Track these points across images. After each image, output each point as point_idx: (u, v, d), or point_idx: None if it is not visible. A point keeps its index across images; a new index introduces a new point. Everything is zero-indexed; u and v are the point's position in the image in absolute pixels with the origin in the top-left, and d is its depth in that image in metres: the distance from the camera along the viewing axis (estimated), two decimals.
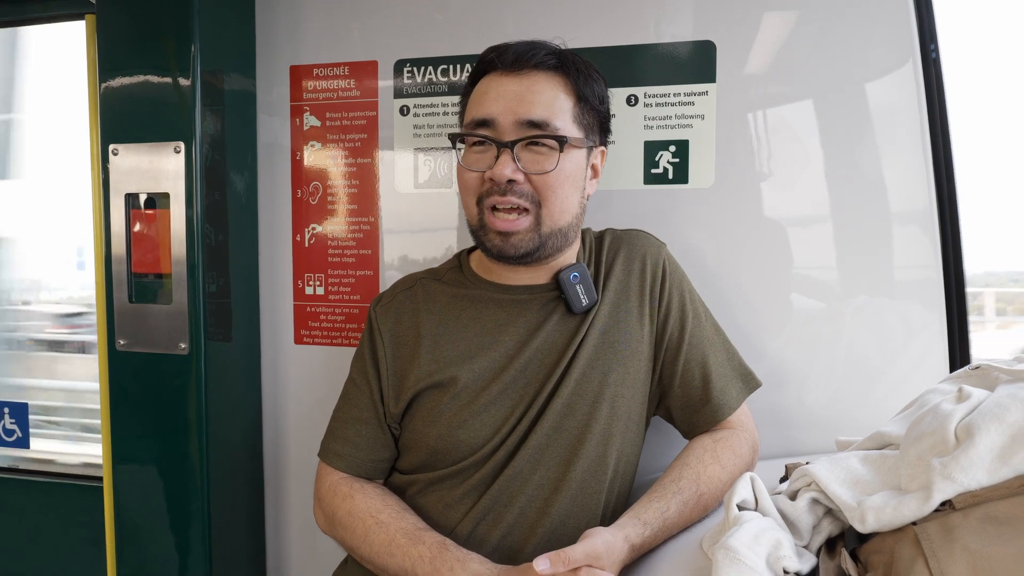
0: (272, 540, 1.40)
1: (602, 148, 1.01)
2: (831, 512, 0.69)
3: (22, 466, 1.67)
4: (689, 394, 0.99)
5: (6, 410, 1.63)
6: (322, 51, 1.32)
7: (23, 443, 1.65)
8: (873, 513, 0.59)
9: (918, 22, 1.11)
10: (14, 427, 1.63)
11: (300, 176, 1.34)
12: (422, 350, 0.99)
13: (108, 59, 1.22)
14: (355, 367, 1.07)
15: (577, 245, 1.03)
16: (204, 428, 1.22)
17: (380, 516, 0.93)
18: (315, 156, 1.33)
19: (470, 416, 0.95)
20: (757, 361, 1.08)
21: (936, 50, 1.13)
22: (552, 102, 0.92)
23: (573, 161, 0.94)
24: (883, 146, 1.12)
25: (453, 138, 0.98)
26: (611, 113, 1.03)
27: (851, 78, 1.12)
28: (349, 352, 1.16)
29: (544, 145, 0.92)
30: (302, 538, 1.39)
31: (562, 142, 0.91)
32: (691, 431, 1.01)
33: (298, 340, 1.36)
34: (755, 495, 0.72)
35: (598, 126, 0.99)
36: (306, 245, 1.34)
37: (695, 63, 1.17)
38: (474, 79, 0.98)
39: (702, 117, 1.17)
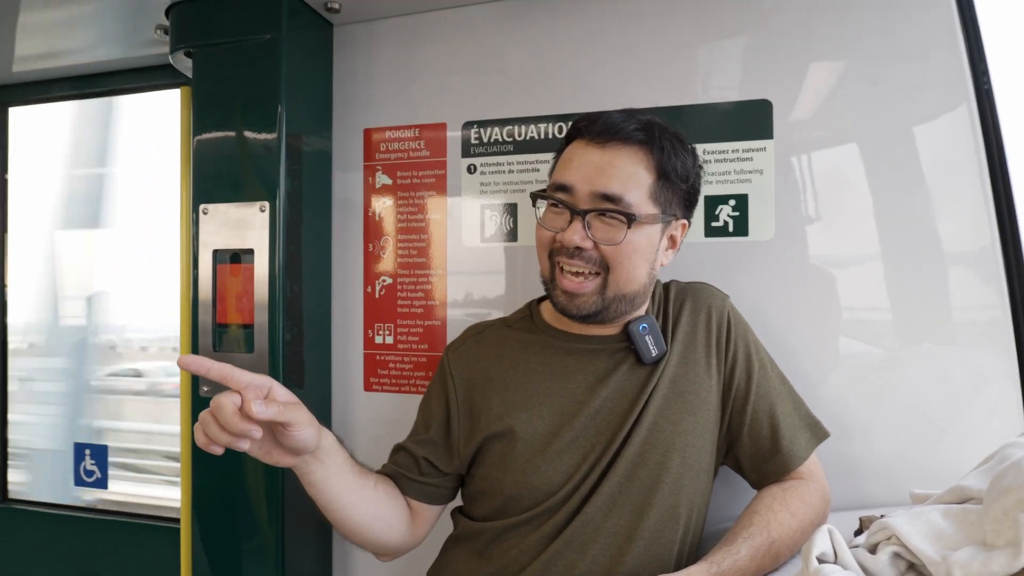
0: (339, 565, 1.44)
1: (683, 222, 1.03)
2: (914, 567, 0.69)
3: (100, 506, 1.75)
4: (758, 444, 1.00)
5: (87, 452, 1.72)
6: (394, 114, 1.42)
7: (102, 484, 1.74)
8: (960, 569, 0.59)
9: (969, 56, 1.13)
10: (94, 468, 1.72)
11: (372, 231, 1.42)
12: (492, 393, 1.04)
13: (201, 125, 1.33)
14: (420, 410, 1.13)
15: (647, 302, 1.06)
16: (279, 471, 1.27)
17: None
18: (386, 212, 1.41)
19: (543, 463, 0.98)
20: (821, 410, 1.09)
21: (988, 83, 1.14)
22: (629, 178, 0.95)
23: (644, 235, 0.97)
24: (941, 187, 1.14)
25: (535, 196, 1.03)
26: (698, 189, 1.04)
27: (905, 122, 1.15)
28: (417, 399, 1.21)
29: (615, 218, 0.95)
30: (366, 565, 1.42)
31: (631, 219, 0.94)
32: (760, 481, 1.02)
33: (367, 387, 1.41)
34: (834, 548, 0.73)
35: (680, 201, 1.01)
36: (376, 296, 1.41)
37: (752, 121, 1.21)
38: (567, 140, 1.03)
39: (760, 172, 1.21)
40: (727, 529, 0.93)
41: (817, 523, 0.93)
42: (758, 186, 1.21)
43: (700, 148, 1.23)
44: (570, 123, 1.03)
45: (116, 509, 1.73)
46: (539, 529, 0.97)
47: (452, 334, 1.35)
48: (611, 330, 1.04)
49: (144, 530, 1.63)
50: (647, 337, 1.00)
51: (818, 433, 1.03)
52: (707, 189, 1.22)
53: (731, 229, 1.22)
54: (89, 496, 1.74)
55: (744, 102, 1.22)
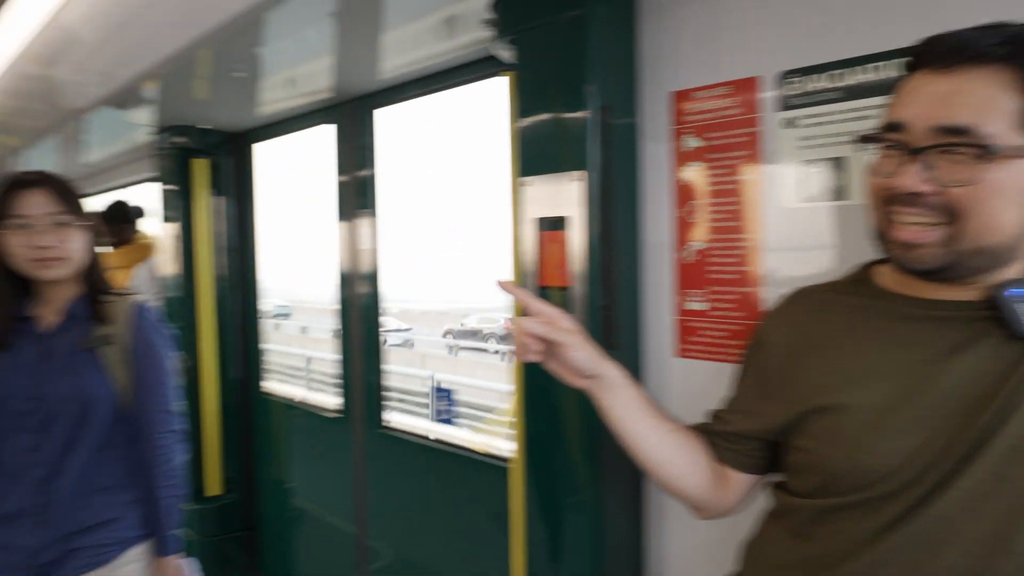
0: (655, 531, 1.48)
1: None
2: None
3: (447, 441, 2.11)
4: None
5: (444, 395, 2.10)
6: (702, 74, 1.37)
7: (450, 422, 2.10)
8: None
9: None
10: (447, 408, 2.09)
11: (681, 196, 1.41)
12: (816, 361, 0.97)
13: (521, 107, 1.47)
14: (735, 376, 1.13)
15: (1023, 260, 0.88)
16: (601, 425, 1.37)
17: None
18: (695, 176, 1.39)
19: (878, 441, 0.88)
20: None
21: None
22: (985, 103, 0.79)
23: (1010, 173, 0.79)
24: None
25: (864, 139, 0.91)
26: None
27: None
28: (730, 367, 1.18)
29: (964, 153, 0.79)
30: (680, 533, 1.45)
31: (988, 152, 0.78)
32: None
33: (679, 354, 1.42)
34: None
35: None
36: (687, 262, 1.40)
37: None
38: (906, 74, 0.89)
39: None
40: None
41: None
42: None
43: None
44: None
45: (459, 444, 2.07)
46: (870, 516, 0.87)
47: (769, 300, 1.28)
48: (968, 294, 0.87)
49: (479, 465, 1.92)
50: (1019, 305, 0.82)
51: None
52: None
53: None
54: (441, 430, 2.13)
55: None
